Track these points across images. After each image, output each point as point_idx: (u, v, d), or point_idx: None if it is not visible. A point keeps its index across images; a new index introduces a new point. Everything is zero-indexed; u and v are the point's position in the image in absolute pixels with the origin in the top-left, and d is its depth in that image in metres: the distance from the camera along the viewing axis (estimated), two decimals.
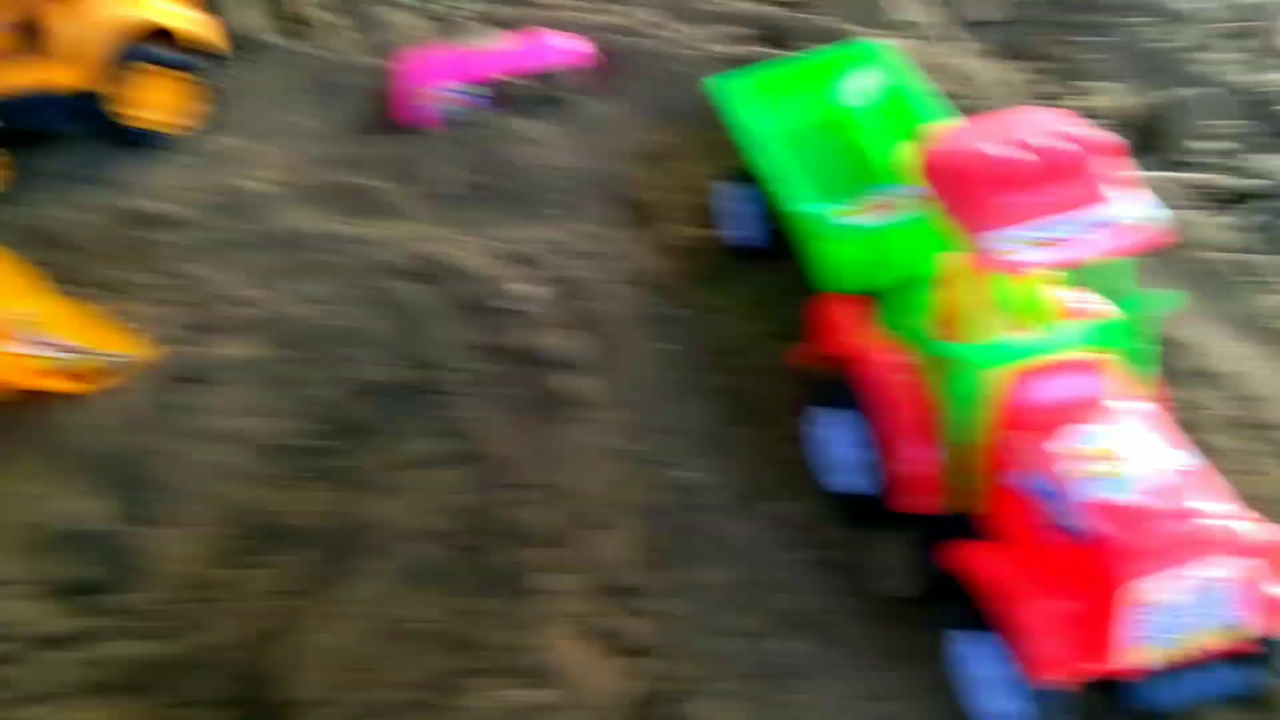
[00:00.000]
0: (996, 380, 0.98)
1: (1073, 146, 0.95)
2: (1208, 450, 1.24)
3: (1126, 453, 0.92)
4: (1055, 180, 0.92)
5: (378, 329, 1.65)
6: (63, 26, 1.43)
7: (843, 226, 1.31)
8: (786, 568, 1.29)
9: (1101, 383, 1.02)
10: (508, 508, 1.41)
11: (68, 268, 1.43)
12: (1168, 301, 1.05)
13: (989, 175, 0.92)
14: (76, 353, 1.33)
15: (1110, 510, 0.89)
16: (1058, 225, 0.91)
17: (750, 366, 1.53)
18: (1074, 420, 0.94)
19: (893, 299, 1.17)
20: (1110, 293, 1.10)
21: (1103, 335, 1.05)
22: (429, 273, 1.73)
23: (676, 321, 1.68)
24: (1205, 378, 1.48)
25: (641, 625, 1.25)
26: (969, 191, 0.94)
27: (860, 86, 1.59)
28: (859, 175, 1.44)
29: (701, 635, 1.25)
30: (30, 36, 1.40)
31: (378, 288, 1.66)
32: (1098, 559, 0.89)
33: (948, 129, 1.04)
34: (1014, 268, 0.91)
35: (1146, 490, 0.89)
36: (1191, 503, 0.91)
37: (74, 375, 1.33)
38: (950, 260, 1.05)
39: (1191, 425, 1.30)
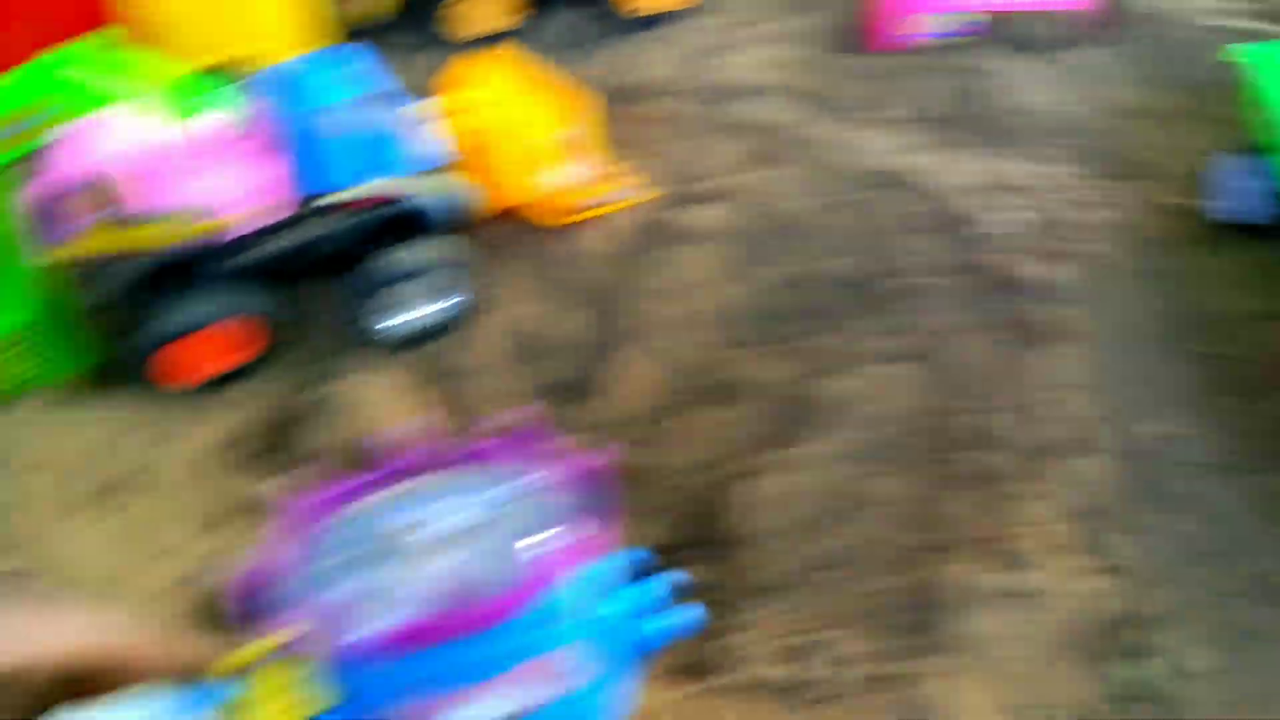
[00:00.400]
0: None
1: None
2: None
3: None
4: None
5: (846, 228, 1.64)
6: None
7: None
8: (1268, 539, 1.15)
9: None
10: (972, 415, 1.35)
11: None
12: None
13: None
14: (596, 182, 1.43)
15: None
16: None
17: (1238, 340, 1.36)
18: None
19: None
20: None
21: None
22: (901, 184, 1.70)
23: (1160, 279, 1.54)
24: None
25: (1119, 546, 1.14)
26: None
27: None
28: None
29: (1170, 580, 1.13)
30: None
31: (849, 190, 1.65)
32: None
33: None
34: None
35: None
36: None
37: (584, 205, 1.43)
38: None
39: None
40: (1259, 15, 2.03)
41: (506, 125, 1.28)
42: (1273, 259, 1.51)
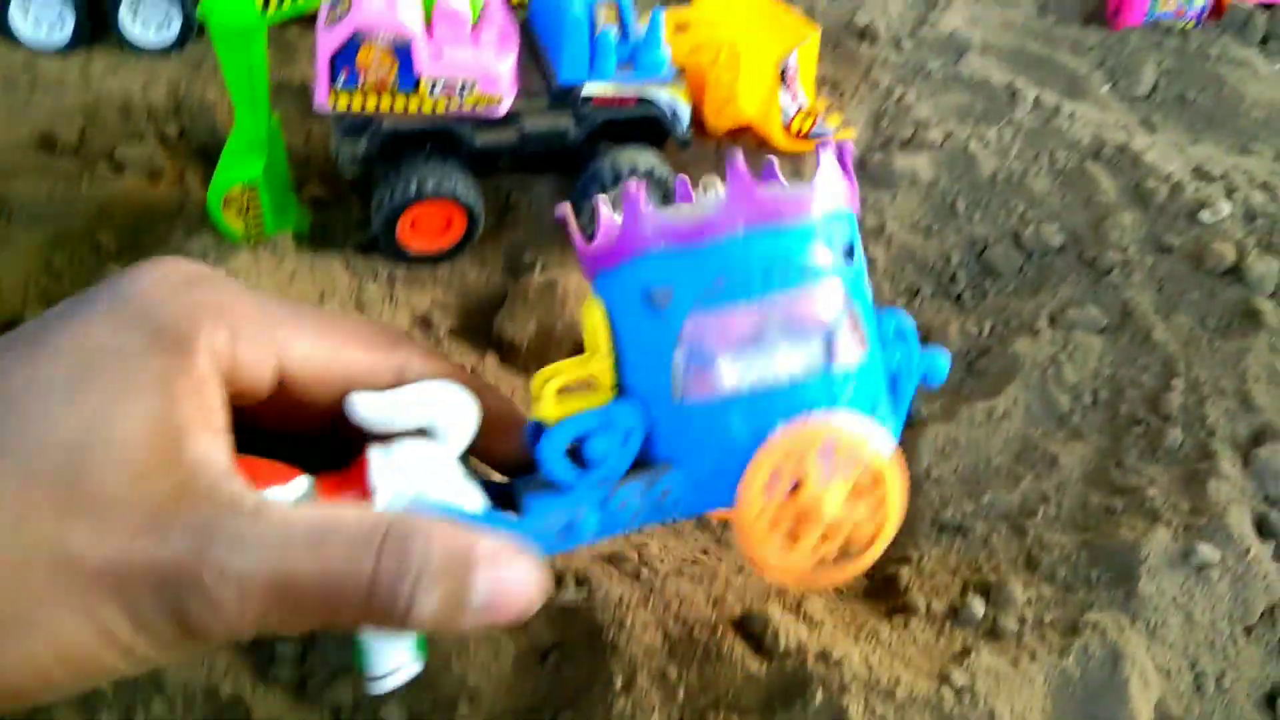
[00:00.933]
0: None
1: None
2: None
3: None
4: None
5: (1053, 195, 1.60)
6: None
7: None
8: None
9: None
10: (1170, 394, 1.31)
11: None
12: None
13: None
14: (803, 114, 1.44)
15: None
16: None
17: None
18: None
19: None
20: None
21: None
22: (1116, 159, 1.64)
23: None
24: None
25: None
26: None
27: None
28: None
29: None
30: None
31: (1061, 158, 1.60)
32: None
33: None
34: None
35: None
36: None
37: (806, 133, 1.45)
38: None
39: None
40: None
41: (732, 46, 1.29)
42: None
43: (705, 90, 1.28)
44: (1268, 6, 1.62)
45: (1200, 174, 1.57)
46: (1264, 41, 1.69)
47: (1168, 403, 1.29)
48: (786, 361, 0.40)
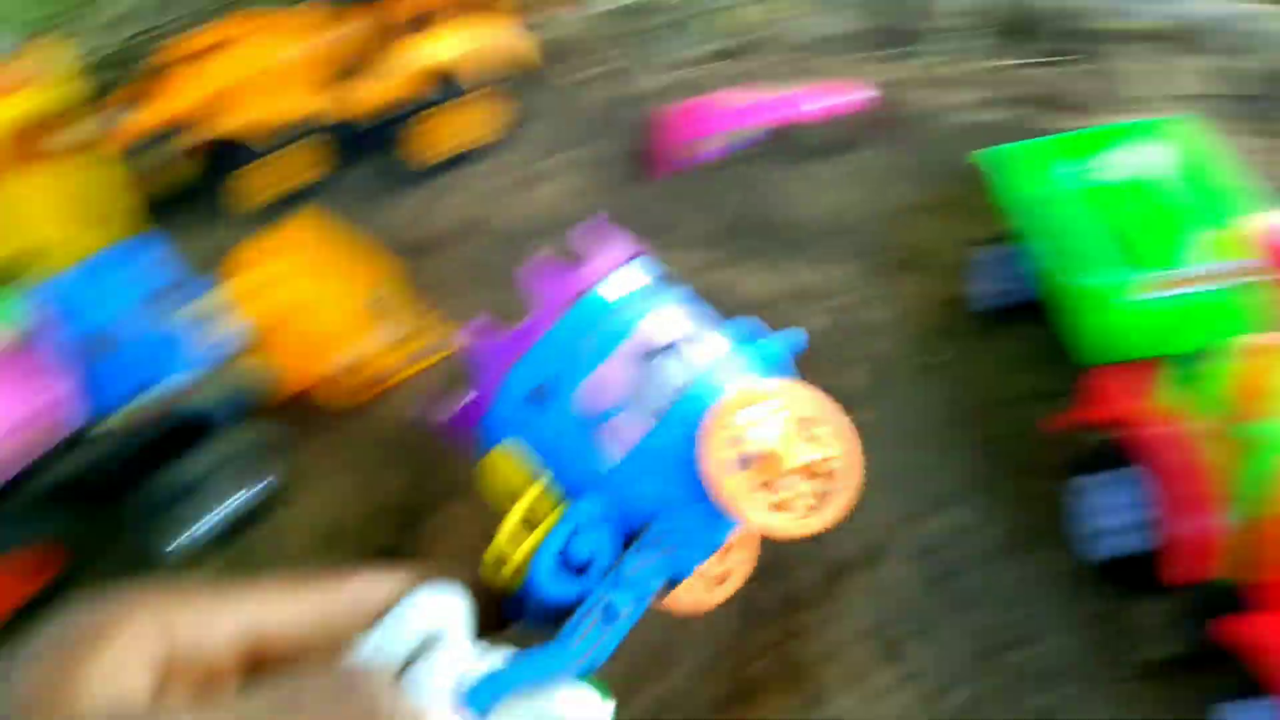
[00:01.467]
0: None
1: None
2: None
3: None
4: None
5: None
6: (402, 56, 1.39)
7: (1139, 301, 1.09)
8: (1055, 616, 1.13)
9: None
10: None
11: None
12: None
13: None
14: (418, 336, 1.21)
15: None
16: None
17: (1011, 422, 1.25)
18: None
19: (1181, 370, 0.97)
20: None
21: None
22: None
23: (937, 371, 1.49)
24: None
25: (916, 654, 1.07)
26: None
27: (1154, 160, 1.29)
28: (1153, 250, 1.18)
29: (965, 679, 1.11)
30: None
31: None
32: None
33: None
34: None
35: None
36: None
37: (415, 357, 1.22)
38: (1258, 337, 0.87)
39: None
40: (1017, 102, 1.91)
41: (302, 302, 1.17)
42: (1034, 339, 1.46)
43: (281, 351, 1.16)
44: (809, 122, 1.56)
45: (777, 298, 1.56)
46: (812, 156, 1.62)
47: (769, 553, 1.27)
48: (665, 383, 0.41)
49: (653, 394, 0.41)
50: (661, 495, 0.41)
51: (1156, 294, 1.13)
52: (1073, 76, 1.86)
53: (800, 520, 0.40)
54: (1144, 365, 1.11)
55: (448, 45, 1.46)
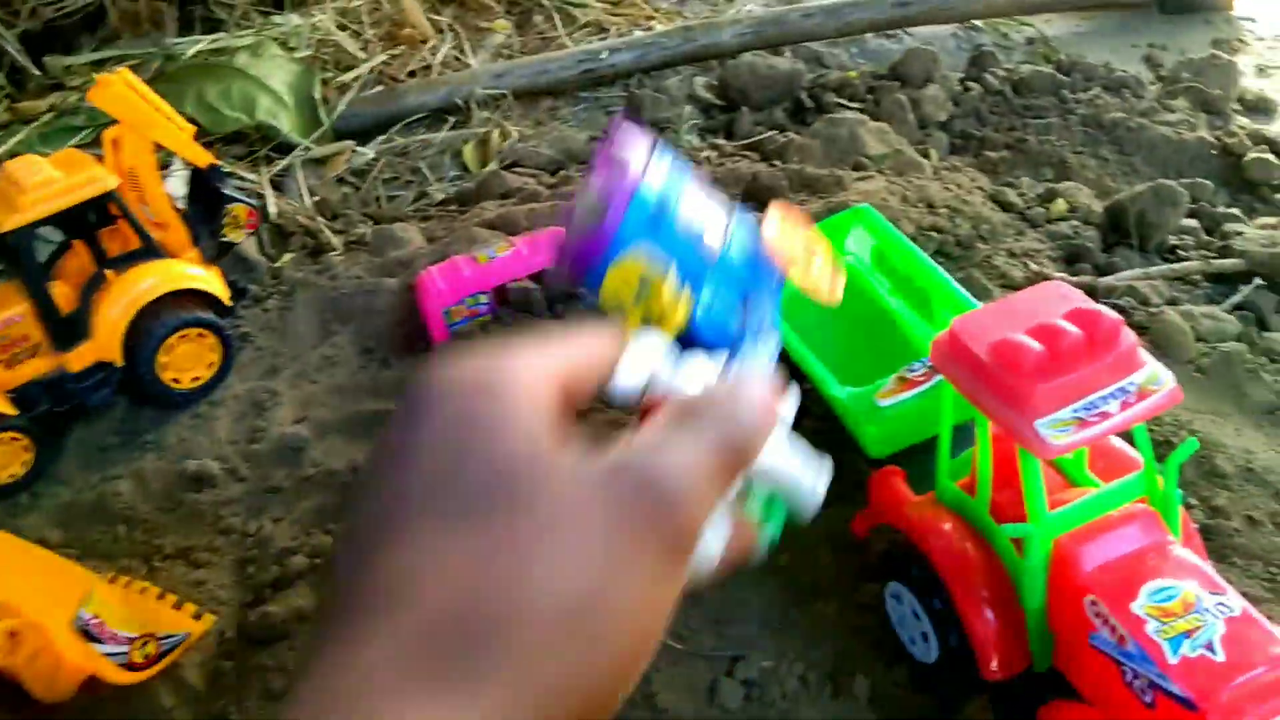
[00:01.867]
0: (1064, 543, 0.82)
1: (1111, 317, 0.81)
2: (1237, 553, 1.09)
3: (1200, 603, 0.79)
4: (1095, 356, 0.80)
5: None
6: (100, 310, 1.27)
7: (882, 408, 1.08)
8: None
9: (1161, 531, 0.87)
10: None
11: (116, 542, 1.21)
12: (1184, 449, 0.86)
13: (1034, 366, 0.76)
14: (138, 640, 1.05)
15: (1204, 668, 0.72)
16: (1096, 401, 0.79)
17: (802, 540, 1.12)
18: (1145, 574, 0.78)
19: (938, 462, 0.94)
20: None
21: (1141, 484, 0.88)
22: None
23: None
24: (1221, 479, 1.17)
25: None
26: (1010, 386, 0.77)
27: (855, 255, 1.30)
28: (883, 349, 1.16)
29: None
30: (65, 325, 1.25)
31: None
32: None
33: (965, 319, 0.84)
34: (1057, 451, 0.75)
35: (1229, 641, 0.76)
36: (1273, 648, 0.76)
37: (135, 665, 1.04)
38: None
39: (1214, 532, 1.11)
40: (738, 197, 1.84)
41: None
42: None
43: None
44: (539, 277, 1.47)
45: None
46: (538, 313, 1.47)
47: None
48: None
49: (715, 214, 0.61)
50: (746, 280, 0.60)
51: (896, 398, 1.09)
52: (802, 148, 1.81)
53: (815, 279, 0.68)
54: (914, 460, 1.07)
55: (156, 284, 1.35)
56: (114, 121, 1.29)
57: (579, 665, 0.35)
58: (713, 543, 0.44)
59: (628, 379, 0.45)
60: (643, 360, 0.46)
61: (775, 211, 0.82)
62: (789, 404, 0.49)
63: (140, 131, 1.29)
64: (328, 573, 0.45)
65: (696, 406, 0.42)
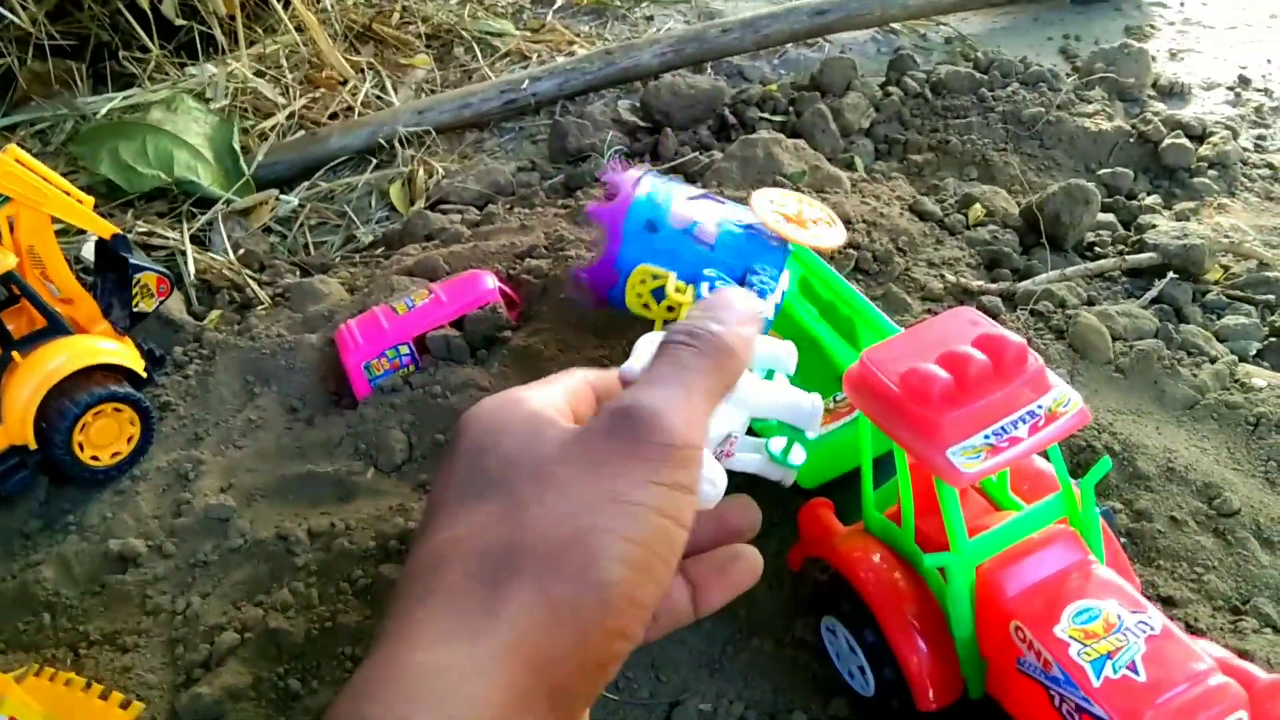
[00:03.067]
0: (987, 570, 0.83)
1: (1016, 342, 0.80)
2: (1162, 555, 1.10)
3: (1121, 623, 0.80)
4: (1003, 381, 0.80)
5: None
6: (8, 393, 1.22)
7: (809, 439, 1.07)
8: None
9: (1082, 551, 0.87)
10: None
11: (41, 630, 1.18)
12: (1099, 469, 0.86)
13: (942, 395, 0.77)
14: None
15: (1126, 689, 0.75)
16: (1005, 426, 0.79)
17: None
18: (1067, 596, 0.81)
19: (863, 493, 0.96)
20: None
21: (1061, 505, 0.89)
22: (405, 549, 1.26)
23: None
24: (1143, 480, 1.18)
25: None
26: (919, 415, 0.78)
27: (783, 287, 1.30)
28: (813, 379, 1.15)
29: None
30: None
31: (361, 577, 1.19)
32: None
33: (875, 350, 0.85)
34: (969, 479, 0.77)
35: (1150, 660, 0.77)
36: (1193, 664, 0.77)
37: None
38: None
39: (1139, 535, 1.13)
40: None
41: None
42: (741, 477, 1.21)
43: None
44: (460, 323, 1.44)
45: None
46: (467, 352, 1.42)
47: None
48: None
49: (709, 209, 0.76)
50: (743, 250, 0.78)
51: (825, 429, 1.09)
52: (720, 171, 1.80)
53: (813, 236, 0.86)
54: (843, 491, 1.07)
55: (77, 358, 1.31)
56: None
57: (577, 583, 0.41)
58: (714, 476, 0.49)
59: (633, 364, 0.51)
60: (646, 348, 0.51)
61: (761, 194, 0.86)
62: (789, 354, 0.58)
63: (35, 207, 1.26)
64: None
65: (671, 332, 0.49)
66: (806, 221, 0.83)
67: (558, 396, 0.50)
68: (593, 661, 0.42)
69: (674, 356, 0.47)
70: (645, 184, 0.87)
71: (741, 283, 0.81)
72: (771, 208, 0.85)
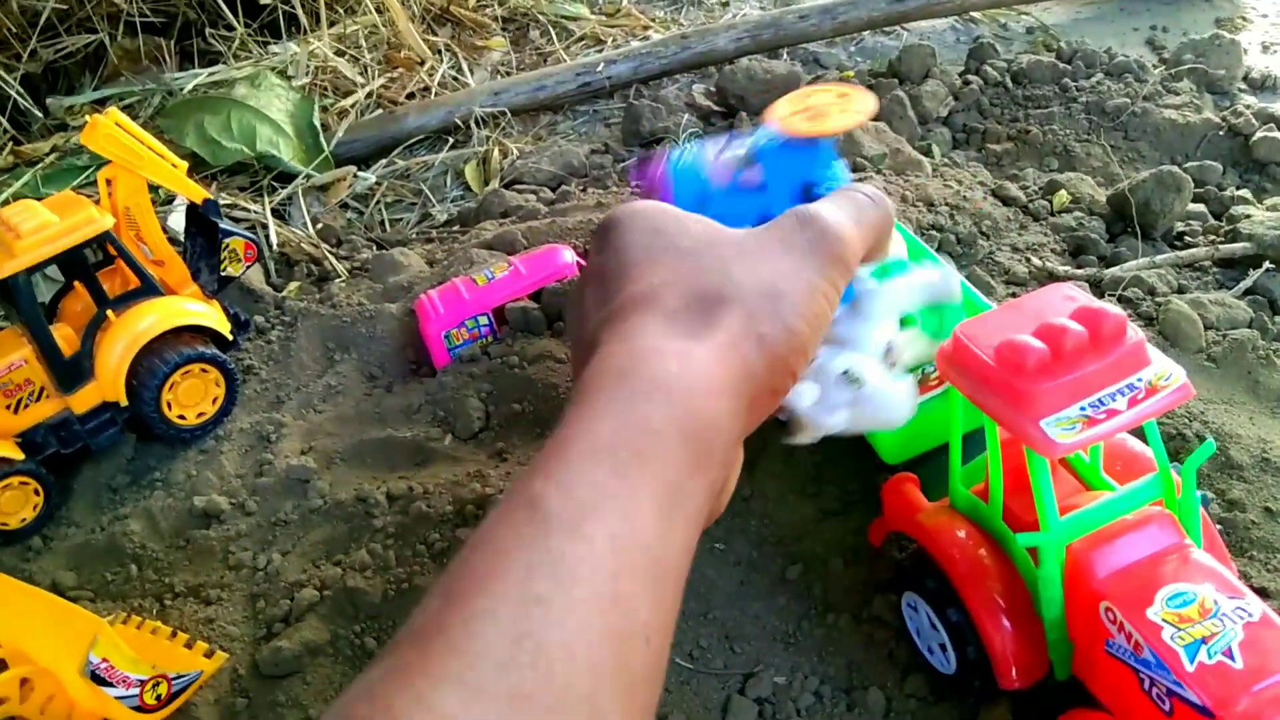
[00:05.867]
0: (1079, 549, 0.79)
1: (1115, 314, 0.78)
2: (1255, 546, 1.07)
3: (1218, 609, 0.78)
4: (1101, 353, 0.78)
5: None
6: (102, 350, 1.26)
7: None
8: None
9: (1178, 534, 0.85)
10: None
11: (128, 581, 1.21)
12: (1202, 452, 0.83)
13: (1037, 366, 0.76)
14: (149, 681, 1.03)
15: (1222, 675, 0.73)
16: (1103, 398, 0.78)
17: (814, 551, 1.08)
18: (1161, 579, 0.79)
19: (950, 468, 0.92)
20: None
21: (1158, 487, 0.87)
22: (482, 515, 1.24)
23: (730, 515, 1.14)
24: (1237, 470, 1.13)
25: None
26: (1014, 387, 0.74)
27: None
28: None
29: None
30: (69, 368, 1.25)
31: (437, 541, 1.19)
32: None
33: (970, 324, 0.81)
34: (1064, 450, 0.73)
35: (1247, 647, 0.74)
36: None
37: (147, 707, 1.03)
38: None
39: (1232, 525, 1.09)
40: None
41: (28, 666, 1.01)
42: (814, 456, 1.17)
43: None
44: (538, 296, 1.44)
45: None
46: (552, 324, 1.42)
47: None
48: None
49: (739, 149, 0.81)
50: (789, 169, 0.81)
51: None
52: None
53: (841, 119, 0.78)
54: (928, 466, 1.05)
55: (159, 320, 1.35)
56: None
57: (773, 322, 0.51)
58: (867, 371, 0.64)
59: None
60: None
61: (775, 107, 0.88)
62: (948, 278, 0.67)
63: (132, 170, 1.29)
64: (576, 305, 0.59)
65: (853, 186, 0.61)
66: (828, 108, 0.82)
67: None
68: (773, 387, 0.51)
69: (852, 198, 0.59)
70: (673, 159, 0.88)
71: (808, 198, 0.81)
72: (790, 115, 0.85)
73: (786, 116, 0.82)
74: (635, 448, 0.43)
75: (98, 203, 1.29)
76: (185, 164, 1.35)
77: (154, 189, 1.41)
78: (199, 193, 1.38)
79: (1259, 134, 1.82)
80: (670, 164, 0.88)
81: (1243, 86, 2.11)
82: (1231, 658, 0.76)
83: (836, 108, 0.80)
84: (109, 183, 1.31)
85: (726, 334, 0.49)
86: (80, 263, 1.30)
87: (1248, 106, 1.96)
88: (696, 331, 0.49)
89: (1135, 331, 0.82)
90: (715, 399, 0.47)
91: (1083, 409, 0.80)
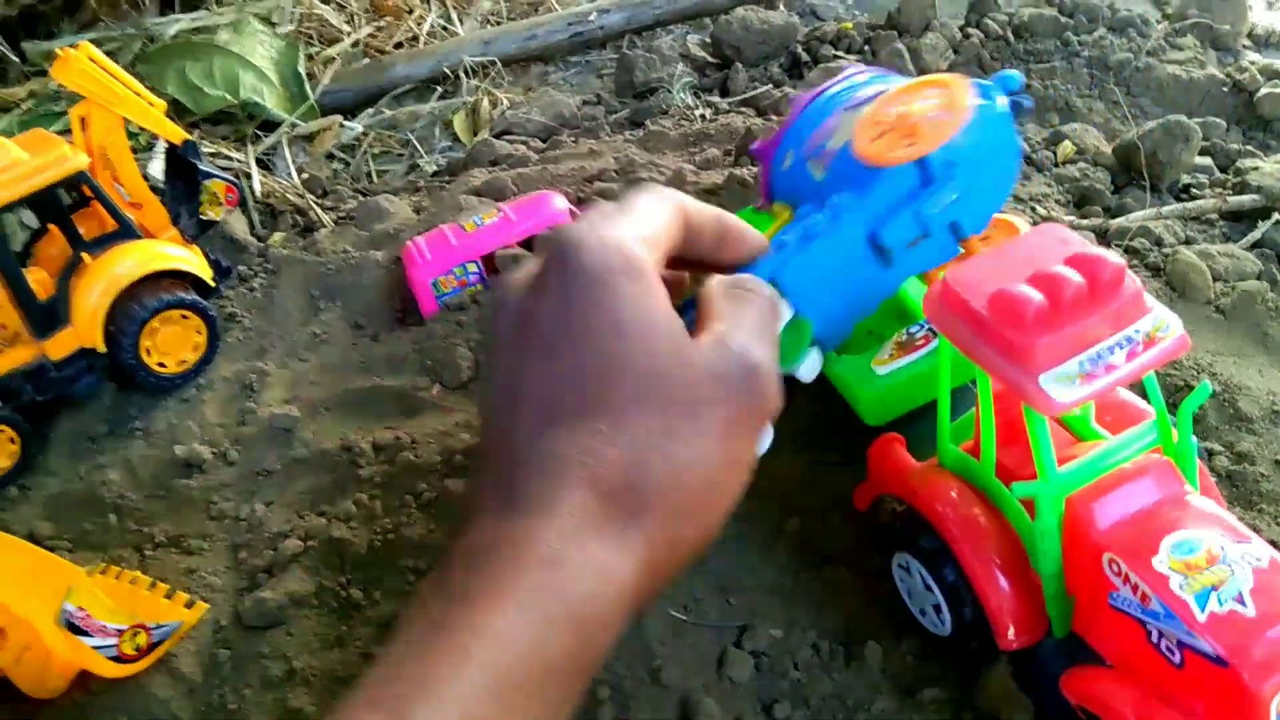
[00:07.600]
0: (1077, 500, 0.77)
1: (1114, 262, 0.74)
2: (1265, 499, 1.05)
3: (1225, 555, 0.76)
4: (1099, 304, 0.74)
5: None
6: (78, 295, 1.22)
7: (879, 375, 1.01)
8: (893, 713, 0.92)
9: (1178, 481, 0.82)
10: None
11: (107, 531, 1.18)
12: (1198, 395, 0.81)
13: (1035, 318, 0.70)
14: (127, 631, 1.00)
15: (1234, 623, 0.71)
16: (1102, 352, 0.74)
17: (812, 503, 1.06)
18: (1165, 527, 0.76)
19: (939, 425, 0.89)
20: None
21: (1154, 433, 0.84)
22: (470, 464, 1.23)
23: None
24: (1246, 422, 1.12)
25: None
26: (1011, 340, 0.71)
27: None
28: (883, 313, 1.06)
29: None
30: (44, 312, 1.21)
31: (425, 490, 1.16)
32: (1230, 678, 0.67)
33: (959, 270, 0.77)
34: (1064, 408, 0.70)
35: (1259, 593, 0.72)
36: None
37: (126, 657, 1.00)
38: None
39: (1241, 478, 1.07)
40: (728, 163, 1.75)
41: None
42: (811, 409, 1.15)
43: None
44: (528, 243, 1.38)
45: None
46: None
47: None
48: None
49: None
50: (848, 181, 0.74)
51: (895, 364, 1.03)
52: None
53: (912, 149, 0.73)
54: (913, 427, 1.03)
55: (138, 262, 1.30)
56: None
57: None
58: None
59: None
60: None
61: (861, 120, 0.79)
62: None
63: (108, 107, 1.25)
64: (496, 440, 0.51)
65: (738, 286, 0.56)
66: (917, 124, 0.76)
67: (657, 246, 0.53)
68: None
69: (759, 313, 0.56)
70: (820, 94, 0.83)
71: (876, 249, 0.79)
72: (873, 139, 0.77)
73: (866, 142, 0.72)
74: (528, 683, 0.42)
75: (71, 142, 1.24)
76: (162, 104, 1.30)
77: (132, 135, 1.36)
78: (177, 133, 1.34)
79: (1263, 90, 1.79)
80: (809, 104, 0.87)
81: (1247, 43, 2.08)
82: (1243, 604, 0.74)
83: (931, 117, 0.69)
84: (83, 121, 1.26)
85: (648, 546, 0.47)
86: (54, 204, 1.26)
87: (1252, 63, 1.93)
88: (622, 532, 0.46)
89: (1132, 279, 0.79)
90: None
91: (1081, 364, 0.77)
